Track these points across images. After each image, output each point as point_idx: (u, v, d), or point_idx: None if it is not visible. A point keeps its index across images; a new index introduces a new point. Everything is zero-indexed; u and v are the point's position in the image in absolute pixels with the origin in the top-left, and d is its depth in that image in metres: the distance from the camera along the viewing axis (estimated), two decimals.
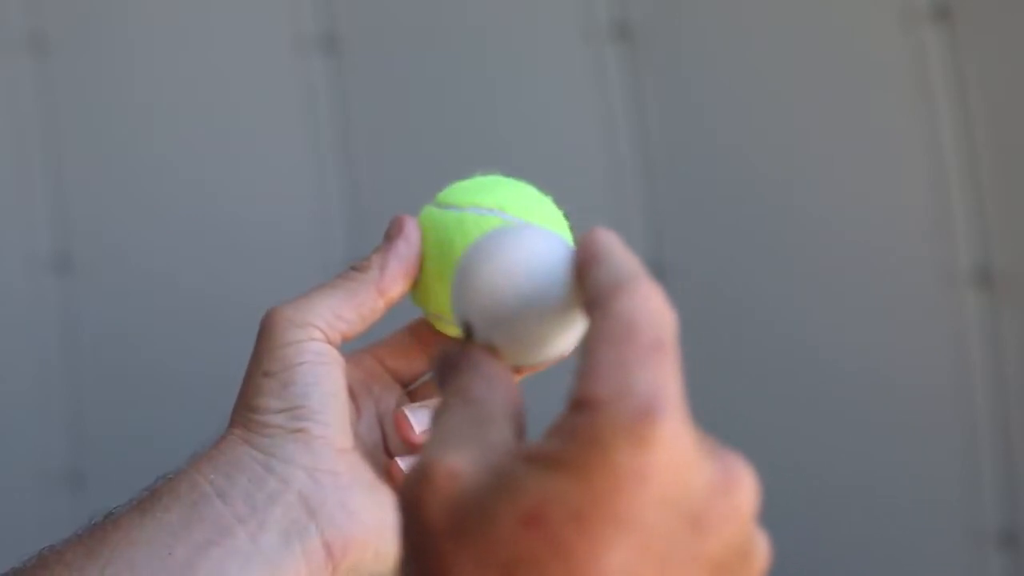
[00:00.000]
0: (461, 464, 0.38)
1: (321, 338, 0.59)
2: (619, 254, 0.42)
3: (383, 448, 0.63)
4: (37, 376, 1.51)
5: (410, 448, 0.61)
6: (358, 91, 1.38)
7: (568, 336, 0.45)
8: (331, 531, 0.57)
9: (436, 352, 0.44)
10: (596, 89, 1.27)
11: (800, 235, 1.21)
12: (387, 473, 0.60)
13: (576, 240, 0.46)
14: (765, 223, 1.22)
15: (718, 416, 1.29)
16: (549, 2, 1.30)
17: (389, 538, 0.58)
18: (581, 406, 0.37)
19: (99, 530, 0.56)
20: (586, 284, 0.42)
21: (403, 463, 0.60)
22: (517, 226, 0.51)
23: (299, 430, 0.58)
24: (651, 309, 0.40)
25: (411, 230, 0.61)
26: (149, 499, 0.57)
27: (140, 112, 1.47)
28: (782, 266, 1.22)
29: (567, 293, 0.44)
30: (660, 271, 1.25)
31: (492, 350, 0.45)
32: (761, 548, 0.39)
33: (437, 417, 0.41)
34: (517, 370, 0.54)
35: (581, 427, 0.37)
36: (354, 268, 0.61)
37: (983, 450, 1.13)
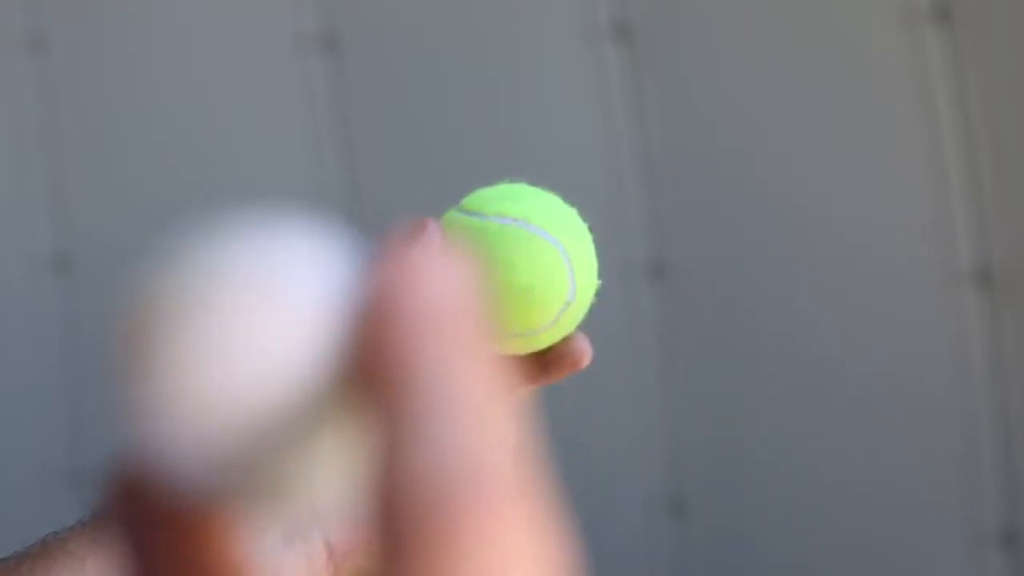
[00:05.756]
0: None
1: None
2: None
3: None
4: (37, 376, 1.51)
5: None
6: (358, 91, 1.38)
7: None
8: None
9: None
10: (596, 89, 1.27)
11: (800, 235, 1.21)
12: None
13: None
14: (765, 223, 1.22)
15: (718, 416, 1.29)
16: (549, 2, 1.30)
17: None
18: None
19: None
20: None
21: None
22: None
23: None
24: None
25: (433, 234, 0.61)
26: None
27: (140, 112, 1.47)
28: (782, 266, 1.22)
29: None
30: (660, 271, 1.25)
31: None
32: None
33: None
34: None
35: None
36: None
37: (983, 450, 1.13)
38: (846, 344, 1.19)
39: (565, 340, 0.55)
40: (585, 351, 0.55)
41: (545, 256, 0.56)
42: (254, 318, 0.25)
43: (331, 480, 0.26)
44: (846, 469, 1.20)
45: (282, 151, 1.43)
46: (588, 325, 0.55)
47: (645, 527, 1.26)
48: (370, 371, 0.25)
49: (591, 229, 0.59)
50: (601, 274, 0.55)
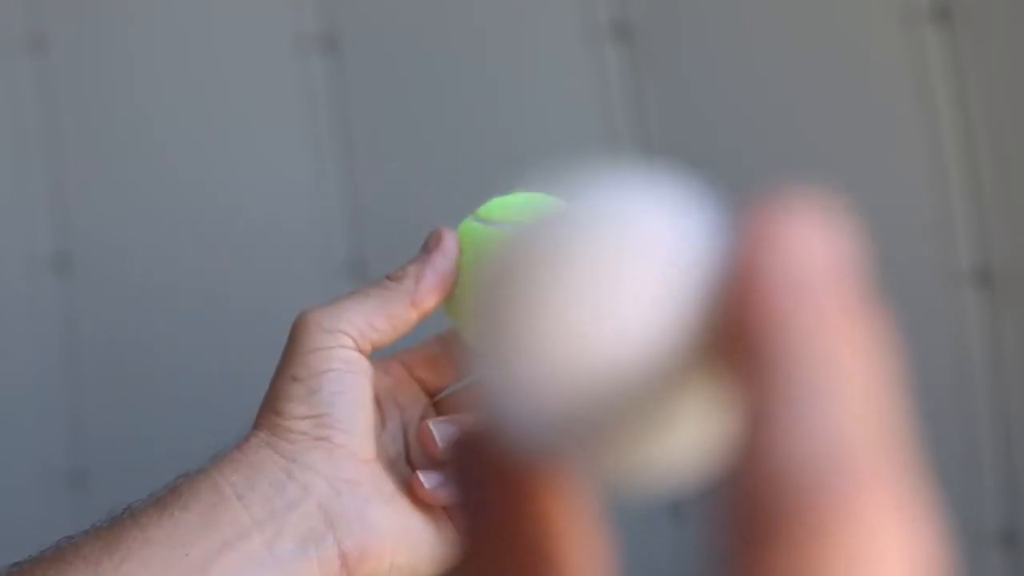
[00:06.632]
0: None
1: (351, 345, 0.59)
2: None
3: (405, 459, 0.62)
4: (37, 376, 1.51)
5: (433, 462, 0.61)
6: (358, 91, 1.38)
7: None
8: (348, 541, 0.57)
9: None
10: (596, 89, 1.27)
11: None
12: (408, 486, 0.60)
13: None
14: None
15: None
16: (549, 2, 1.30)
17: (406, 551, 0.58)
18: None
19: (117, 525, 0.56)
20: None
21: (424, 477, 0.60)
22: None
23: (322, 438, 0.58)
24: None
25: (449, 243, 0.61)
26: (169, 496, 0.57)
27: (140, 112, 1.47)
28: None
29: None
30: None
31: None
32: None
33: None
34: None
35: None
36: (389, 277, 0.61)
37: (983, 450, 1.13)
38: None
39: None
40: None
41: None
42: (615, 273, 0.24)
43: (679, 448, 0.25)
44: None
45: (282, 151, 1.43)
46: None
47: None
48: (736, 337, 0.23)
49: None
50: None
